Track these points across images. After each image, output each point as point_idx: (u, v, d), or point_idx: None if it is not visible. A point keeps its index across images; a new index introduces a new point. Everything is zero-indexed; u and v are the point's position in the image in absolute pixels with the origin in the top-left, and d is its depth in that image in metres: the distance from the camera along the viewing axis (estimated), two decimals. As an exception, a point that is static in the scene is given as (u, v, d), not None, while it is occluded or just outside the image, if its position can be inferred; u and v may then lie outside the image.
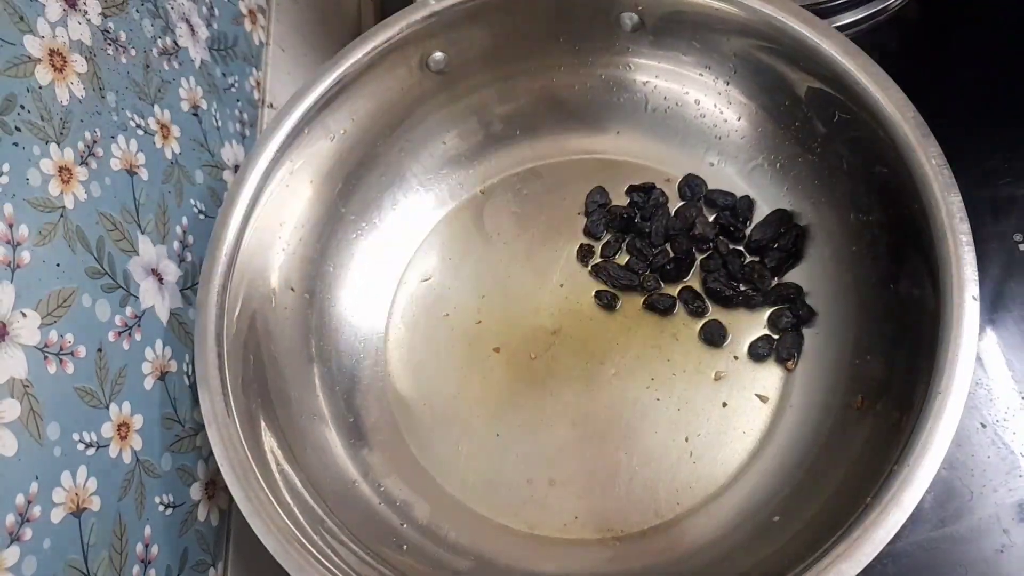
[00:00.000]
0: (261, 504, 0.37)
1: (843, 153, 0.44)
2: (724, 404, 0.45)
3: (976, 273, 0.35)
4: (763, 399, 0.45)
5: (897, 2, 0.53)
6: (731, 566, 0.40)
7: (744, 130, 0.49)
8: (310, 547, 0.37)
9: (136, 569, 0.34)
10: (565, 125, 0.54)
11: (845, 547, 0.32)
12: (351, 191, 0.51)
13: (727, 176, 0.50)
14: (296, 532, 0.37)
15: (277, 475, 0.40)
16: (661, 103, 0.51)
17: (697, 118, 0.51)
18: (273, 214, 0.46)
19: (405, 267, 0.53)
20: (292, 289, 0.47)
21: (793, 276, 0.47)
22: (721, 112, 0.50)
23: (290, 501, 0.39)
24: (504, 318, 0.50)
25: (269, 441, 0.41)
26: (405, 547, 0.43)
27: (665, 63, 0.50)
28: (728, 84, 0.49)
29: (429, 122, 0.52)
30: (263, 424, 0.42)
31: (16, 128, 0.31)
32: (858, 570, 0.31)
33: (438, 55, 0.49)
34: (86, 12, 0.37)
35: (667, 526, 0.43)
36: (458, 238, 0.53)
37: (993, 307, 0.44)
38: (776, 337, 0.45)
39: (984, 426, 0.42)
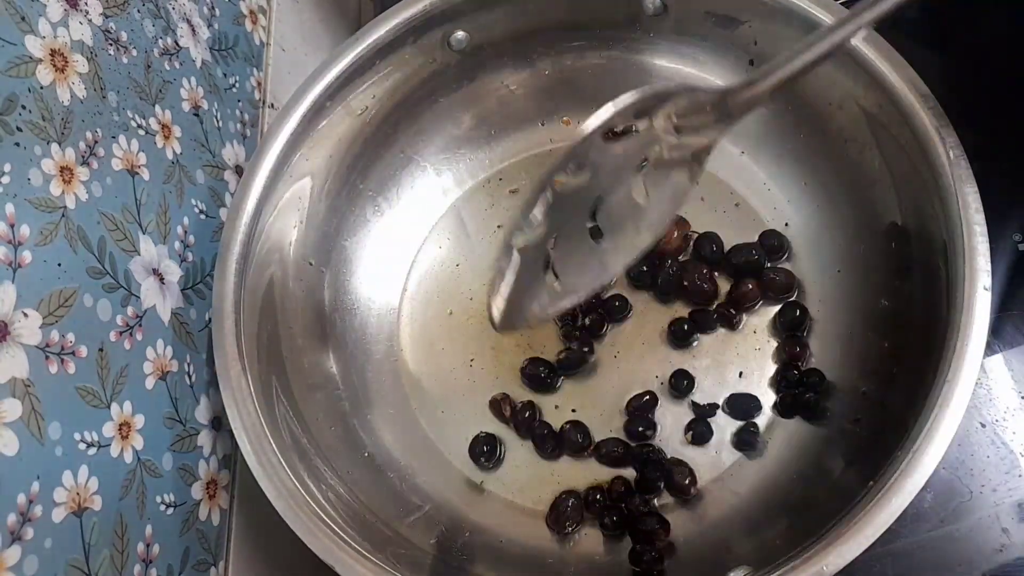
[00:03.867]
0: (273, 468, 0.37)
1: (860, 141, 0.44)
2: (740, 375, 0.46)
3: (989, 264, 0.35)
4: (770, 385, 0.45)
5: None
6: (735, 546, 0.40)
7: (763, 117, 0.49)
8: (320, 512, 0.37)
9: (137, 568, 0.34)
10: (583, 108, 0.53)
11: (846, 529, 0.32)
12: (370, 168, 0.51)
13: (746, 165, 0.50)
14: (306, 497, 0.37)
15: (289, 441, 0.40)
16: None
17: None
18: (293, 186, 0.46)
19: (421, 244, 0.53)
20: (310, 263, 0.48)
21: (804, 265, 0.47)
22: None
23: (301, 467, 0.39)
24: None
25: (282, 409, 0.42)
26: (413, 517, 0.43)
27: (686, 47, 0.50)
28: (747, 71, 0.48)
29: (449, 101, 0.53)
30: (277, 391, 0.42)
31: (17, 128, 0.31)
32: (858, 552, 0.31)
33: (460, 34, 0.49)
34: (87, 12, 0.37)
35: (671, 508, 0.44)
36: (474, 217, 0.53)
37: (993, 307, 0.44)
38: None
39: (983, 426, 0.42)
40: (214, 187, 0.46)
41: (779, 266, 0.47)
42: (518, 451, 0.47)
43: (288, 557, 0.42)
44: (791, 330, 0.45)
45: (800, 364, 0.45)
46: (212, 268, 0.43)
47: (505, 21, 0.49)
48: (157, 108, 0.42)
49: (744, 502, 0.43)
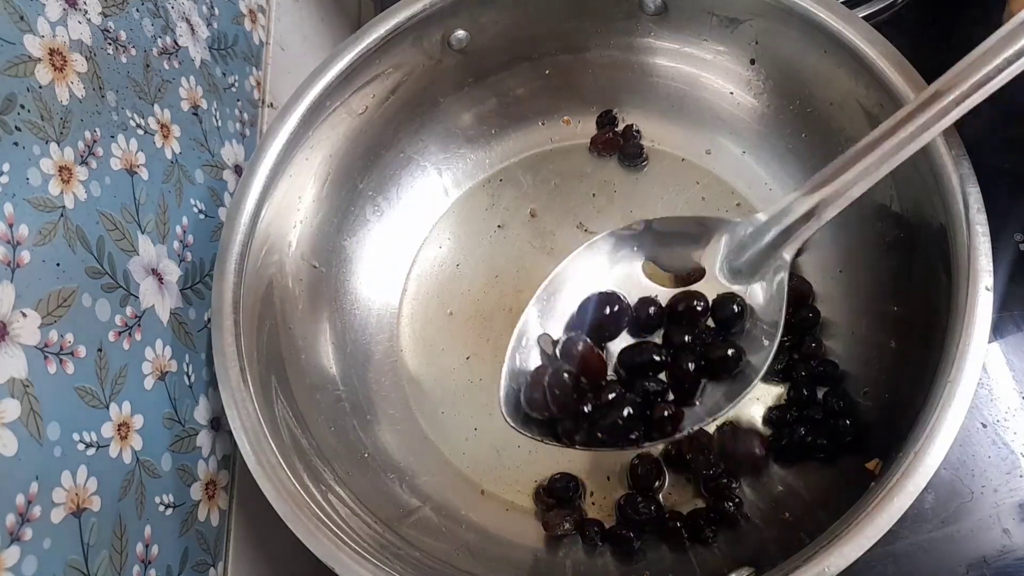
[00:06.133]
0: (272, 469, 0.37)
1: (860, 139, 0.44)
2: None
3: (991, 264, 0.35)
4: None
5: (897, 1, 0.53)
6: (736, 546, 0.40)
7: (764, 115, 0.49)
8: (319, 513, 0.37)
9: (136, 569, 0.34)
10: (583, 107, 0.54)
11: (847, 530, 0.32)
12: (370, 168, 0.51)
13: (747, 165, 0.50)
14: (306, 498, 0.37)
15: (289, 442, 0.40)
16: (680, 86, 0.51)
17: (715, 102, 0.51)
18: (292, 186, 0.46)
19: (420, 244, 0.53)
20: (314, 266, 0.48)
21: (805, 266, 0.47)
22: (741, 97, 0.50)
23: (301, 468, 0.39)
24: (516, 298, 0.50)
25: (282, 409, 0.42)
26: (413, 518, 0.43)
27: (686, 46, 0.50)
28: (748, 69, 0.49)
29: (448, 101, 0.53)
30: (276, 391, 0.42)
31: (16, 128, 0.31)
32: (859, 553, 0.31)
33: (460, 33, 0.49)
34: (86, 11, 0.37)
35: (673, 506, 0.44)
36: (473, 218, 0.53)
37: (995, 307, 0.44)
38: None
39: (984, 426, 0.42)
40: (213, 187, 0.46)
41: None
42: (517, 452, 0.47)
43: (288, 558, 0.42)
44: (803, 332, 0.45)
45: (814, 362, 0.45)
46: (211, 268, 0.43)
47: (505, 20, 0.49)
48: (156, 107, 0.41)
49: (744, 501, 0.43)
